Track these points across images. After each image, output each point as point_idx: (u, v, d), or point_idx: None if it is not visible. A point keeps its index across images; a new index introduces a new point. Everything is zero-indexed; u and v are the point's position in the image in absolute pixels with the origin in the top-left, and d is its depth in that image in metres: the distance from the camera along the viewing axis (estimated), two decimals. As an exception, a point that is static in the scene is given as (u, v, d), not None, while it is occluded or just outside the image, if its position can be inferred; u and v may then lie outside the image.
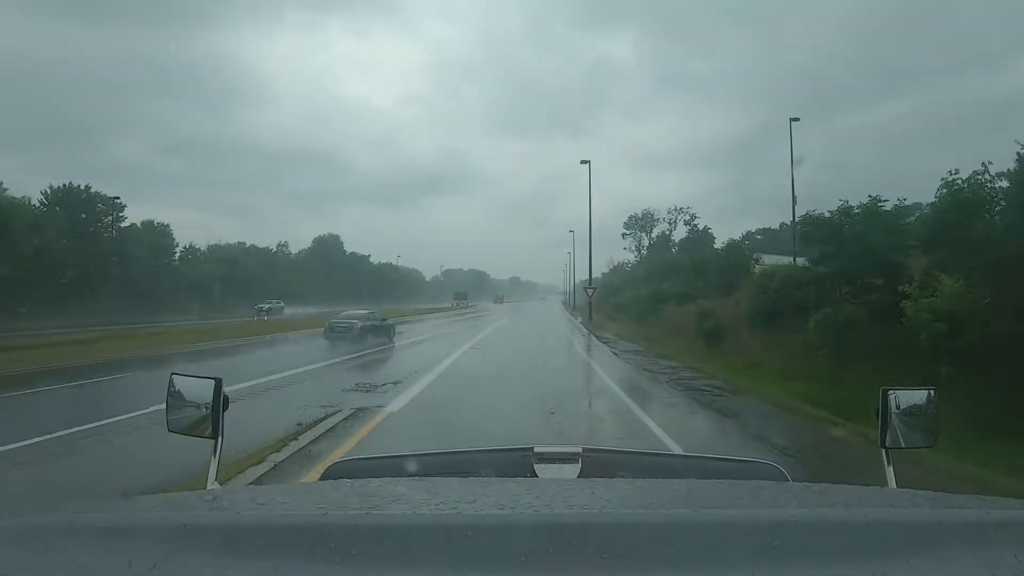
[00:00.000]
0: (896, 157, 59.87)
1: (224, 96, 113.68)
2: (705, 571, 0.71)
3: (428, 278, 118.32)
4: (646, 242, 61.37)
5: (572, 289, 75.35)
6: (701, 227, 55.98)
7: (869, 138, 62.26)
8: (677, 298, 28.74)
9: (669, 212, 60.13)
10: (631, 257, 62.79)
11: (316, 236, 76.82)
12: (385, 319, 23.73)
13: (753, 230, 48.13)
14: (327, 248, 74.92)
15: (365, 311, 23.95)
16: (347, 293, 64.90)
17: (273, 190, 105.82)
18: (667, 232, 59.64)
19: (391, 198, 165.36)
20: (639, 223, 61.98)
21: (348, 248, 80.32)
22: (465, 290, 77.76)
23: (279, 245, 70.74)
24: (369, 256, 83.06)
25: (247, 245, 62.29)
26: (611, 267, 74.51)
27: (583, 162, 37.12)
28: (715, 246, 51.59)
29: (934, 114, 65.18)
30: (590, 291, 35.55)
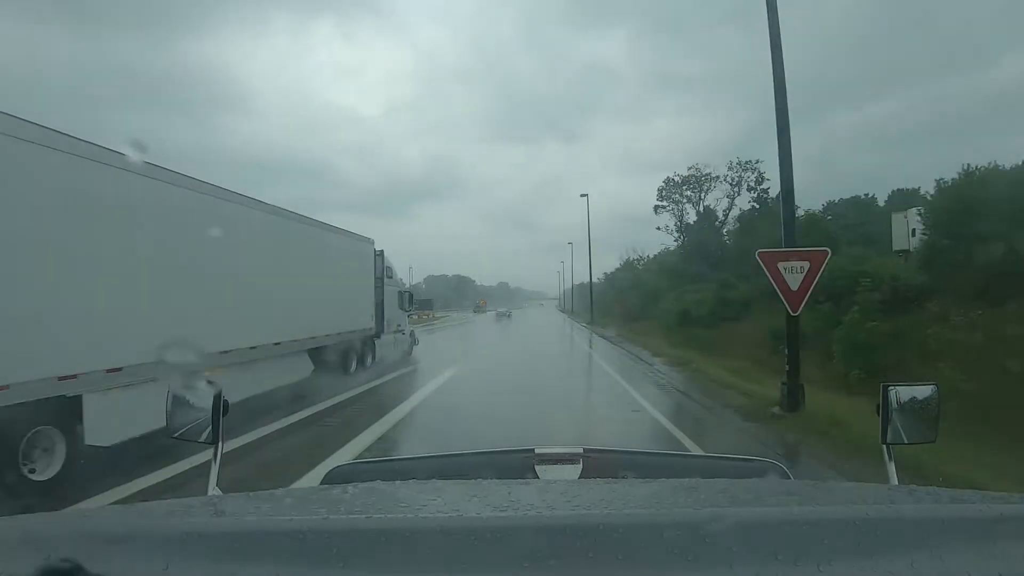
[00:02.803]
0: (890, 156, 49.60)
1: (208, 104, 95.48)
2: (709, 570, 0.70)
3: (408, 285, 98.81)
4: (691, 216, 38.58)
5: (589, 292, 51.33)
6: (774, 193, 34.07)
7: (862, 137, 52.01)
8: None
9: (730, 168, 36.44)
10: (668, 241, 40.49)
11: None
12: (509, 311, 59.82)
13: (836, 200, 28.44)
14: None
15: (505, 309, 61.50)
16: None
17: (261, 199, 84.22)
18: (729, 196, 36.83)
19: (379, 206, 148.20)
20: (682, 188, 38.72)
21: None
22: (430, 297, 56.45)
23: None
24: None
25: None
26: (627, 259, 52.11)
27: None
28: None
29: (928, 112, 52.53)
30: (797, 275, 8.13)
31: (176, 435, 1.45)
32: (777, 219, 10.33)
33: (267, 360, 8.89)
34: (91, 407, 5.42)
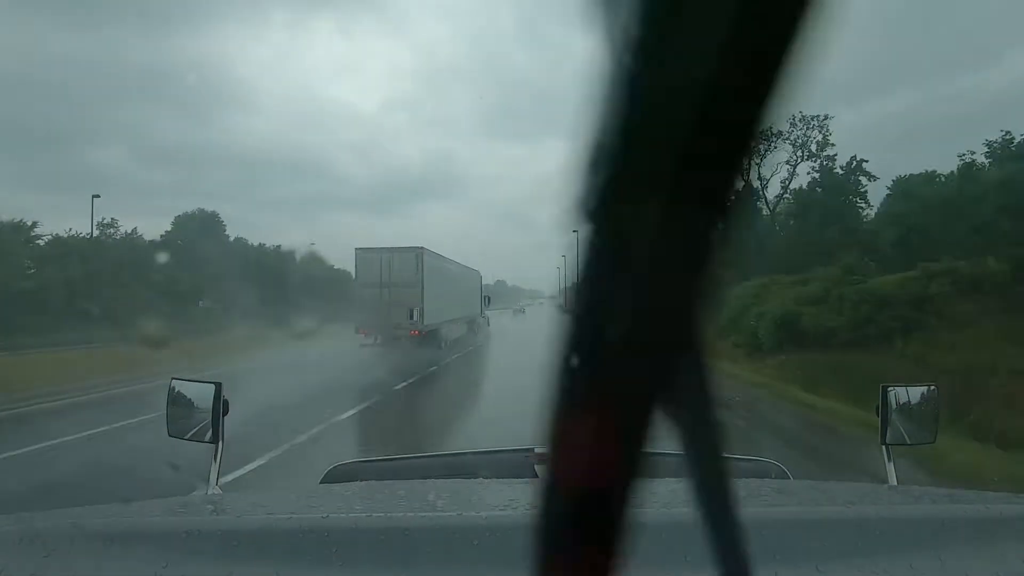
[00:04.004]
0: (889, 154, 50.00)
1: (207, 101, 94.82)
2: (708, 571, 0.67)
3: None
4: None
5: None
6: (845, 160, 26.93)
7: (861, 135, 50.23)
8: None
9: (792, 125, 27.00)
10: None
11: (179, 214, 43.47)
12: (523, 307, 62.38)
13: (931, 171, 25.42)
14: (196, 233, 45.45)
15: (519, 307, 62.02)
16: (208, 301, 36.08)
17: (256, 197, 78.51)
18: (791, 163, 28.53)
19: (377, 204, 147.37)
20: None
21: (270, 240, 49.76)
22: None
23: (102, 226, 41.40)
24: (279, 246, 52.22)
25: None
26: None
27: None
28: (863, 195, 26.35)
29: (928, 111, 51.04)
30: None
31: (176, 434, 1.44)
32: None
33: (457, 323, 23.67)
34: (444, 328, 21.37)
